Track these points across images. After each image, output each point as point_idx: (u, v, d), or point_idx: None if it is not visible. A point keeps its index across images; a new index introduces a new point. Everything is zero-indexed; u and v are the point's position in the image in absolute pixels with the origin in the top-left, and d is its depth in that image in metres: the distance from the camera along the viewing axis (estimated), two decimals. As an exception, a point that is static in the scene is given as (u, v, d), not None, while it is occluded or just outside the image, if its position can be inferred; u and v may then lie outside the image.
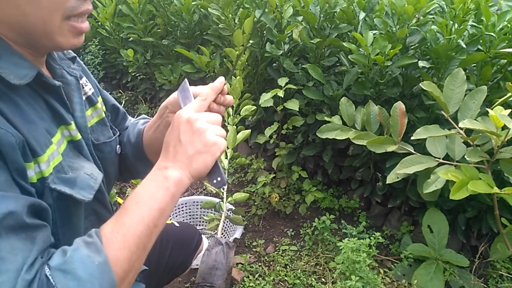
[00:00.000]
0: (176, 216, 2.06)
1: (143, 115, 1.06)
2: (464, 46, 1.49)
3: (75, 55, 0.82)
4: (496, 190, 1.15)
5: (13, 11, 0.60)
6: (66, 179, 0.67)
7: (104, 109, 0.90)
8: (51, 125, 0.68)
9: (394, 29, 1.63)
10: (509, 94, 1.24)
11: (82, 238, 0.61)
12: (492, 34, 1.48)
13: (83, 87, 0.82)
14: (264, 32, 2.01)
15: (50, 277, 0.53)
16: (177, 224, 1.27)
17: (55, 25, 0.63)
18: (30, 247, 0.55)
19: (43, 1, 0.60)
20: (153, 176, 0.68)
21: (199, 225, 2.10)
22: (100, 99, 0.89)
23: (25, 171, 0.60)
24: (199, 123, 0.68)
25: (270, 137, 2.01)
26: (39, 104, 0.67)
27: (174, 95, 0.83)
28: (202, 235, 1.95)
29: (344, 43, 1.69)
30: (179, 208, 2.07)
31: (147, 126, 0.96)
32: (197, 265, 1.55)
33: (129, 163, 0.98)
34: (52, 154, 0.66)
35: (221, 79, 0.78)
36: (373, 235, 1.52)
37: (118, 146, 0.91)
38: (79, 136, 0.75)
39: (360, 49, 1.64)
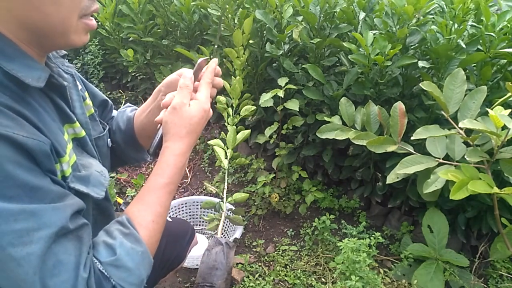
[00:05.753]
0: (176, 216, 2.06)
1: (128, 104, 1.07)
2: (464, 46, 1.49)
3: (66, 52, 0.83)
4: (496, 190, 1.15)
5: (33, 10, 0.59)
6: (81, 177, 0.69)
7: (92, 104, 0.90)
8: (59, 125, 0.69)
9: (394, 29, 1.63)
10: (509, 94, 1.24)
11: (118, 228, 0.68)
12: (492, 34, 1.47)
13: None
14: (264, 32, 2.01)
15: (104, 272, 0.62)
16: (169, 219, 1.28)
17: (72, 24, 0.64)
18: (80, 246, 0.61)
19: (65, 1, 0.61)
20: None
21: (199, 225, 2.10)
22: (86, 94, 0.89)
23: (57, 175, 0.62)
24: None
25: (270, 137, 2.01)
26: (48, 105, 0.67)
27: (169, 78, 0.87)
28: (202, 235, 1.97)
29: (344, 43, 1.69)
30: (179, 208, 2.07)
31: (139, 111, 0.98)
32: (197, 265, 1.55)
33: (119, 151, 1.00)
34: (70, 153, 0.67)
35: (215, 60, 0.83)
36: (373, 235, 1.52)
37: (109, 139, 0.92)
38: (83, 133, 0.76)
39: (360, 49, 1.64)
